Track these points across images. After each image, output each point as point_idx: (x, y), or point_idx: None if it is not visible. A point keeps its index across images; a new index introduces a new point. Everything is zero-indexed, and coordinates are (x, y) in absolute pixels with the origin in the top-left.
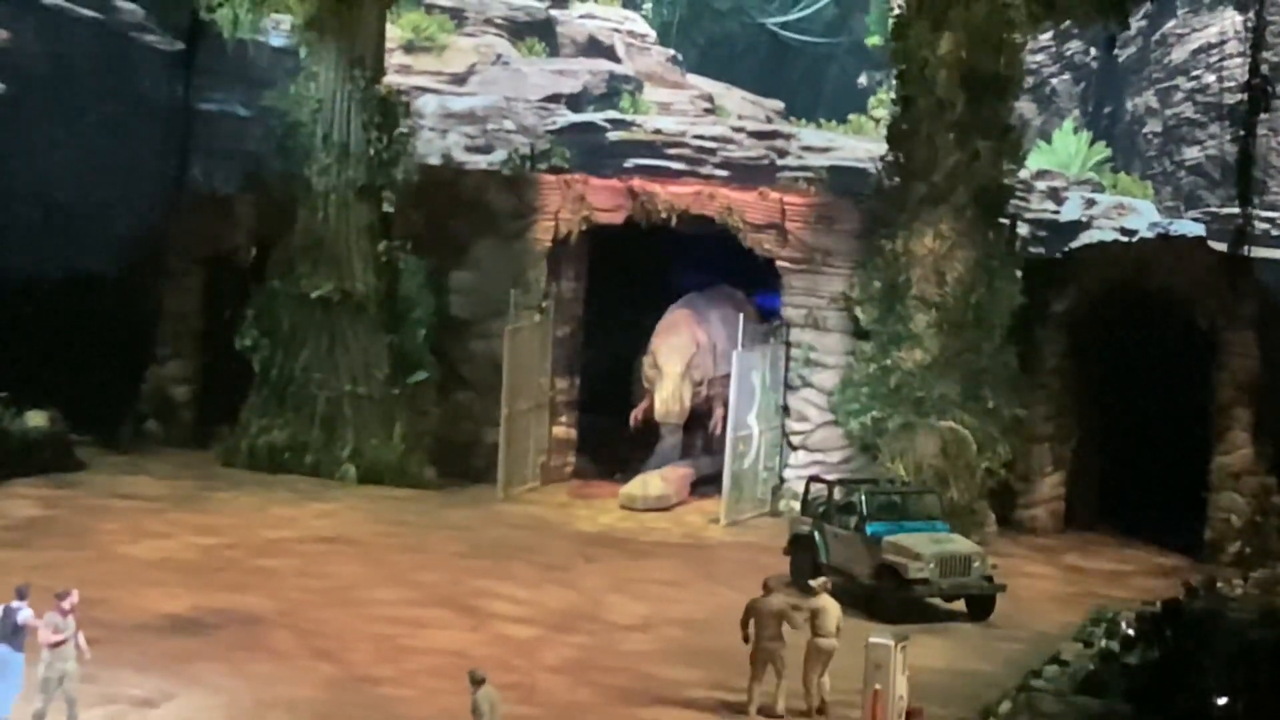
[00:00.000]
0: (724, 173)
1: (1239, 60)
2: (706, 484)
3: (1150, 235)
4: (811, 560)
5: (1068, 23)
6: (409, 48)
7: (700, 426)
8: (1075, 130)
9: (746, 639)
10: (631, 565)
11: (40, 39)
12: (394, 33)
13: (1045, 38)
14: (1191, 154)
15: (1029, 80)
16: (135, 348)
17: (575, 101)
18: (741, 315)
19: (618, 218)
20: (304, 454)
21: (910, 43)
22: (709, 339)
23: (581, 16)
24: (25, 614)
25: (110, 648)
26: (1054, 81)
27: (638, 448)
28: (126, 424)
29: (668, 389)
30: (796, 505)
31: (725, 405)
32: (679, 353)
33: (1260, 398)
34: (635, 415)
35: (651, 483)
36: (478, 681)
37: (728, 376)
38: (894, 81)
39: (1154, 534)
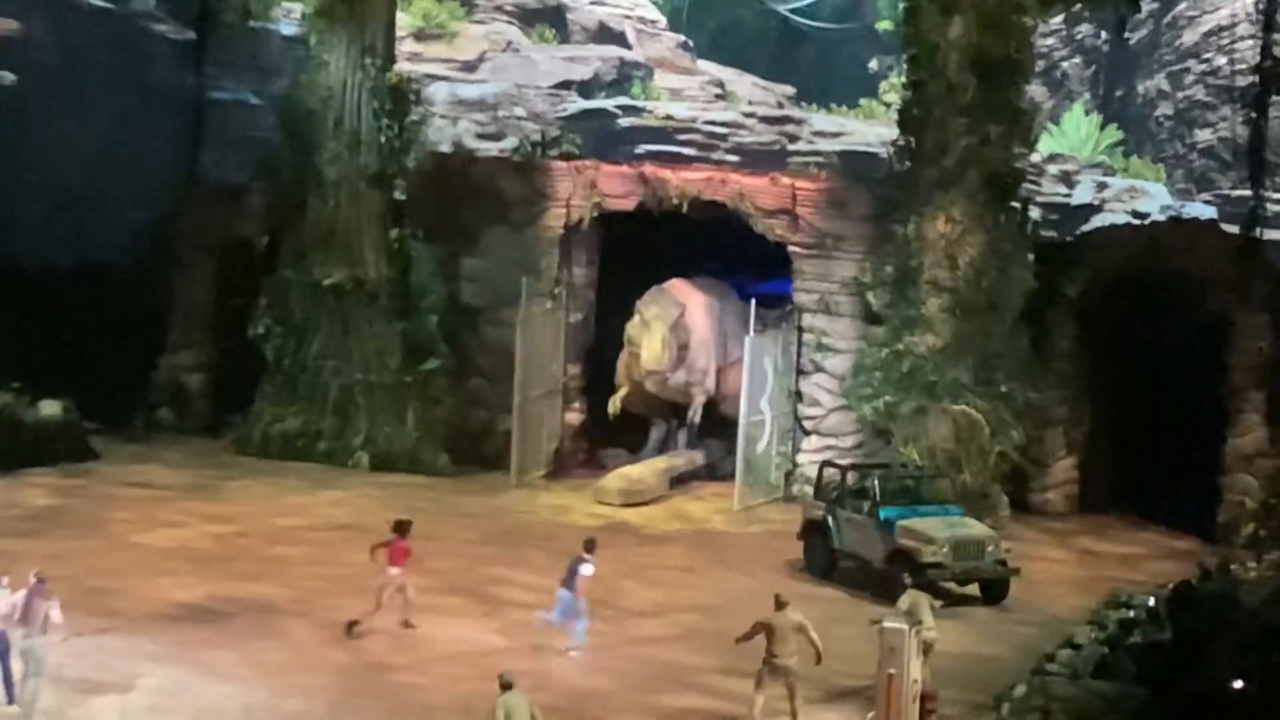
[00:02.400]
0: (735, 158)
1: (1250, 42)
2: (691, 479)
3: (1162, 218)
4: (825, 545)
5: (1078, 5)
6: (419, 35)
7: (680, 417)
8: (1086, 113)
9: (739, 642)
10: (645, 551)
11: (50, 29)
12: (404, 20)
13: (1056, 21)
14: (1203, 136)
15: (1040, 64)
16: (148, 337)
17: (586, 88)
18: (721, 304)
19: (629, 204)
20: (317, 442)
21: (921, 27)
22: (689, 321)
23: (592, 3)
24: (588, 568)
25: (124, 636)
26: (1065, 65)
27: (641, 435)
28: (139, 413)
29: (656, 340)
30: (809, 490)
31: (705, 393)
32: (666, 308)
33: (1273, 380)
34: (614, 402)
35: (626, 477)
36: (505, 686)
37: (707, 366)
38: (905, 66)
39: (1167, 517)
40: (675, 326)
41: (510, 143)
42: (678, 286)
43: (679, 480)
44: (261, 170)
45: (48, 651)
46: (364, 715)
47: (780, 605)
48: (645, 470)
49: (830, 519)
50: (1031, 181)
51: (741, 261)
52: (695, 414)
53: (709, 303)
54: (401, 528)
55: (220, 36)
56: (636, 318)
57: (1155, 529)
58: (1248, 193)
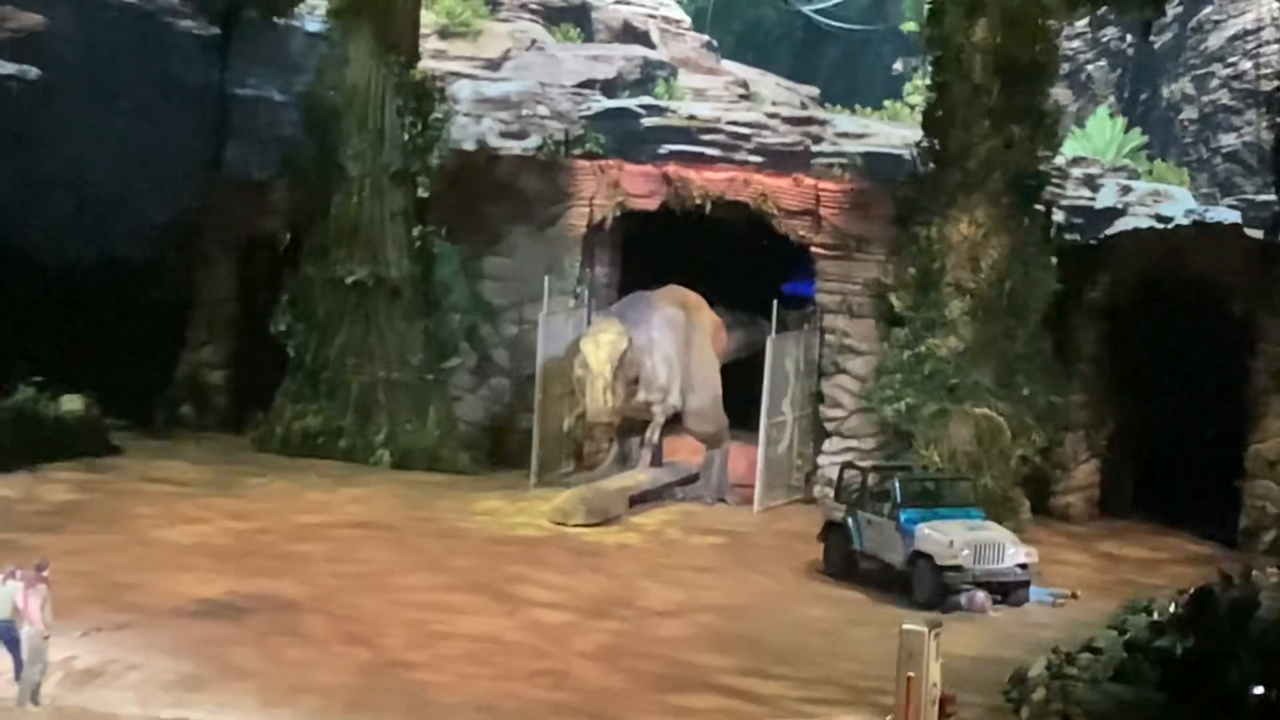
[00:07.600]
0: (758, 159)
1: (1275, 47)
2: (658, 497)
3: (1186, 222)
4: (845, 547)
5: (1104, 8)
6: (444, 33)
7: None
8: (1111, 117)
9: None
10: (664, 551)
11: (75, 24)
12: (429, 18)
13: (1081, 24)
14: (1227, 141)
15: (1064, 66)
16: (170, 333)
17: (610, 87)
18: (687, 315)
19: (652, 203)
20: (338, 439)
21: (945, 28)
22: (647, 339)
23: (616, 2)
24: None
25: (144, 632)
26: (1090, 68)
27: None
28: (161, 409)
29: (598, 388)
30: (830, 492)
31: (667, 411)
32: (607, 349)
33: None
34: (569, 420)
35: (583, 497)
36: None
37: (667, 385)
38: (929, 67)
39: (1189, 522)
40: (622, 365)
41: (534, 141)
42: (621, 318)
43: (640, 499)
44: (285, 166)
45: (40, 642)
46: (382, 712)
47: None
48: (599, 489)
49: (851, 521)
50: (1055, 184)
51: (765, 262)
52: (653, 433)
53: (668, 317)
54: None
55: (244, 32)
56: (579, 357)
57: (1176, 534)
58: (1271, 197)
